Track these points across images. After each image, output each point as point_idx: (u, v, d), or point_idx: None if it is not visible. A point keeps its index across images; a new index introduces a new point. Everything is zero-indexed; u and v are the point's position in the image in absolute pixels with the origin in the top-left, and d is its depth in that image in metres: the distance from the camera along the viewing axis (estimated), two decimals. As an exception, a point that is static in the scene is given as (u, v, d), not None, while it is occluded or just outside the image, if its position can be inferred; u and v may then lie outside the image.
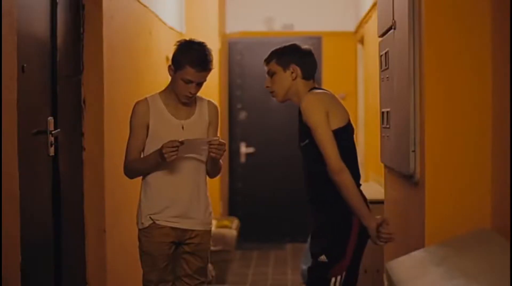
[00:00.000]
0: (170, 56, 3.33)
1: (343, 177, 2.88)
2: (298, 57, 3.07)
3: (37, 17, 3.08)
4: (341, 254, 2.95)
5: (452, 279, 2.07)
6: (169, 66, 3.23)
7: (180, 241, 3.25)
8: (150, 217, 3.21)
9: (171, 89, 3.26)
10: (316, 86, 3.12)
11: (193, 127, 3.24)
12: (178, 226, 3.22)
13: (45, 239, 3.16)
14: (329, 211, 3.00)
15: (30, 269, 2.76)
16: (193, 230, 3.25)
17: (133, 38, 4.52)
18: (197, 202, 3.26)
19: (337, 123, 2.95)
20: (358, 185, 3.00)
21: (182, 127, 3.21)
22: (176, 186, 3.23)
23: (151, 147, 3.18)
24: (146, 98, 3.27)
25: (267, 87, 3.13)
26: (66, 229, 3.36)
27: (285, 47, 3.13)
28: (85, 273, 3.71)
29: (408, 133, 2.70)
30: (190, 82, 3.15)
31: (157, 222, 3.21)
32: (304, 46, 3.14)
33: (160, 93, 3.31)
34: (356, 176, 2.98)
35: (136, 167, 3.26)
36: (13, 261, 2.50)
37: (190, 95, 3.19)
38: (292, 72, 3.05)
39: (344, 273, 2.94)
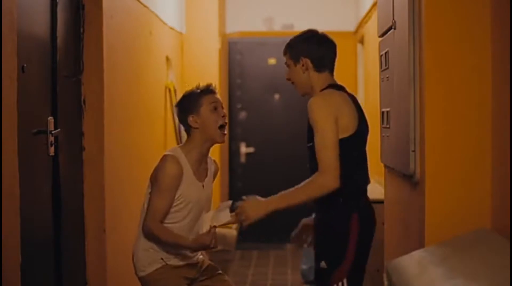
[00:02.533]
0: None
1: (327, 187, 2.76)
2: (309, 47, 2.93)
3: (37, 17, 3.07)
4: (340, 259, 2.85)
5: (452, 279, 2.07)
6: (191, 118, 3.15)
7: (194, 276, 3.22)
8: (162, 259, 3.12)
9: (192, 146, 3.15)
10: (333, 81, 2.96)
11: (209, 185, 3.23)
12: (190, 262, 3.18)
13: (45, 239, 3.16)
14: (327, 213, 2.93)
15: (30, 269, 2.76)
16: (197, 263, 3.24)
17: (133, 38, 4.52)
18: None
19: (345, 132, 2.82)
20: (365, 190, 2.96)
21: (203, 186, 3.18)
22: (186, 229, 3.16)
23: (175, 209, 3.10)
24: (177, 159, 3.09)
25: (288, 79, 3.01)
26: (66, 229, 3.36)
27: (297, 37, 3.00)
28: (85, 273, 3.71)
29: (408, 133, 2.70)
30: (215, 108, 3.14)
31: (168, 263, 3.13)
32: (320, 33, 2.98)
33: (182, 149, 3.16)
34: (362, 181, 2.95)
35: (163, 238, 3.07)
36: (13, 261, 2.50)
37: (225, 121, 3.16)
38: (302, 65, 2.93)
39: (345, 280, 2.83)
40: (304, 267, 6.03)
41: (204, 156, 3.18)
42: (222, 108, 3.20)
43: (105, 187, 3.74)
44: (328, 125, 2.77)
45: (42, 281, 3.08)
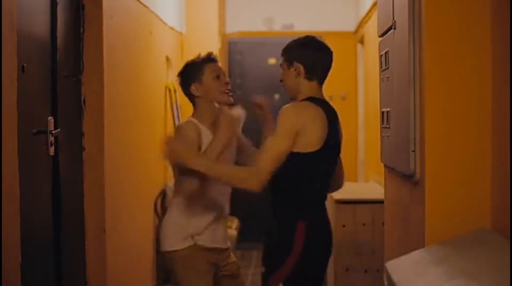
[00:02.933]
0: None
1: (248, 186, 2.79)
2: (304, 53, 2.93)
3: (37, 17, 3.07)
4: (278, 265, 2.86)
5: (452, 279, 2.07)
6: (193, 86, 3.18)
7: (219, 263, 3.25)
8: (192, 237, 3.14)
9: (201, 114, 3.19)
10: (317, 93, 2.94)
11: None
12: (219, 246, 3.21)
13: (45, 239, 3.16)
14: (276, 218, 2.97)
15: (30, 269, 2.76)
16: (226, 249, 3.27)
17: (133, 38, 4.52)
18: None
19: (309, 147, 2.81)
20: (320, 203, 2.95)
21: None
22: (215, 206, 3.21)
23: None
24: (192, 123, 3.16)
25: (280, 80, 3.01)
26: (66, 229, 3.36)
27: (295, 40, 3.00)
28: (85, 273, 3.71)
29: (408, 133, 2.70)
30: (217, 76, 3.17)
31: (198, 243, 3.15)
32: (318, 41, 2.99)
33: (193, 118, 3.20)
34: (319, 195, 2.94)
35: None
36: (13, 261, 2.50)
37: (229, 88, 3.18)
38: (295, 70, 2.92)
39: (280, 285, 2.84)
40: (304, 267, 6.02)
41: (216, 117, 3.15)
42: (225, 76, 3.22)
43: (105, 187, 3.74)
44: (285, 136, 2.78)
45: (42, 281, 3.08)
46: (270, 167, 2.77)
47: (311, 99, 2.90)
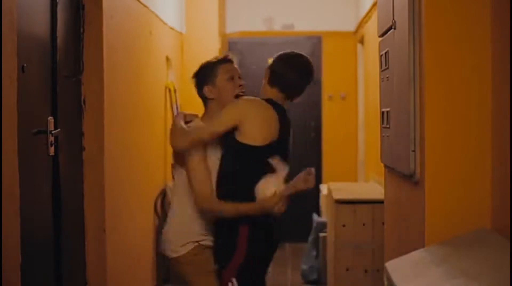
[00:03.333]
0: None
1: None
2: (279, 63, 3.12)
3: (37, 17, 3.07)
4: (225, 263, 3.01)
5: (452, 279, 2.07)
6: (206, 88, 3.17)
7: None
8: (195, 241, 3.14)
9: (209, 117, 3.17)
10: (278, 100, 3.11)
11: None
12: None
13: (45, 239, 3.16)
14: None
15: (30, 269, 2.76)
16: None
17: (133, 38, 4.52)
18: None
19: (250, 139, 2.96)
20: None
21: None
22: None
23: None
24: None
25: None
26: (66, 229, 3.36)
27: (291, 51, 3.19)
28: (85, 273, 3.71)
29: (408, 133, 2.70)
30: (232, 78, 3.15)
31: (202, 243, 3.15)
32: (299, 59, 3.16)
33: (202, 120, 3.21)
34: (244, 193, 3.01)
35: (225, 211, 3.06)
36: (13, 261, 2.50)
37: (243, 91, 3.16)
38: (265, 75, 3.13)
39: (234, 279, 2.98)
40: (304, 267, 6.03)
41: None
42: (240, 78, 3.19)
43: (105, 187, 3.75)
44: (222, 123, 2.97)
45: (42, 281, 3.08)
46: (192, 140, 2.99)
47: (268, 100, 3.07)
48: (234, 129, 2.98)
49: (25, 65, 2.76)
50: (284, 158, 3.12)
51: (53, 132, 3.09)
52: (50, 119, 3.09)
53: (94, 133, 3.70)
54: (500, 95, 2.44)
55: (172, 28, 5.99)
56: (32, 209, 2.89)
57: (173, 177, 3.26)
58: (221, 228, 3.06)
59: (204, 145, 3.06)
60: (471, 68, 2.54)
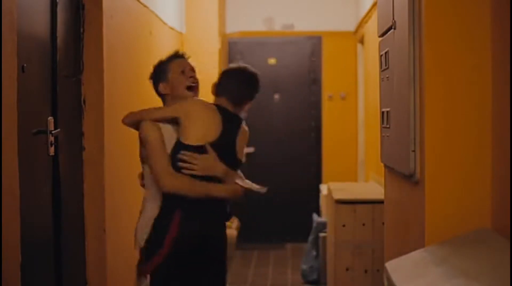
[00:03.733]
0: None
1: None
2: (227, 76, 3.33)
3: (37, 17, 3.07)
4: (150, 256, 3.06)
5: (452, 279, 2.07)
6: (161, 85, 3.26)
7: None
8: None
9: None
10: (227, 106, 3.24)
11: None
12: None
13: (45, 239, 3.16)
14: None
15: (30, 269, 2.76)
16: None
17: (133, 38, 4.52)
18: None
19: (186, 138, 3.08)
20: (202, 204, 3.13)
21: None
22: None
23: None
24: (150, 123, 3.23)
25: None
26: (66, 229, 3.36)
27: (240, 66, 3.42)
28: (85, 273, 3.71)
29: (408, 133, 2.70)
30: (182, 72, 3.23)
31: None
32: (247, 73, 3.34)
33: None
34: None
35: (190, 188, 3.14)
36: (13, 261, 2.50)
37: (193, 82, 3.24)
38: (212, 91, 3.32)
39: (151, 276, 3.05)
40: (304, 267, 6.03)
41: None
42: (193, 71, 3.27)
43: (105, 187, 3.75)
44: (168, 111, 3.16)
45: (42, 281, 3.08)
46: (135, 117, 3.24)
47: (217, 105, 3.21)
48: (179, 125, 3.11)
49: (25, 65, 2.76)
50: (229, 160, 3.23)
51: (53, 132, 3.09)
52: (50, 119, 3.09)
53: (94, 133, 3.70)
54: (500, 95, 2.44)
55: (172, 28, 5.99)
56: (32, 209, 2.89)
57: (143, 186, 3.30)
58: (160, 209, 3.15)
59: (159, 130, 3.14)
60: (471, 68, 2.54)
